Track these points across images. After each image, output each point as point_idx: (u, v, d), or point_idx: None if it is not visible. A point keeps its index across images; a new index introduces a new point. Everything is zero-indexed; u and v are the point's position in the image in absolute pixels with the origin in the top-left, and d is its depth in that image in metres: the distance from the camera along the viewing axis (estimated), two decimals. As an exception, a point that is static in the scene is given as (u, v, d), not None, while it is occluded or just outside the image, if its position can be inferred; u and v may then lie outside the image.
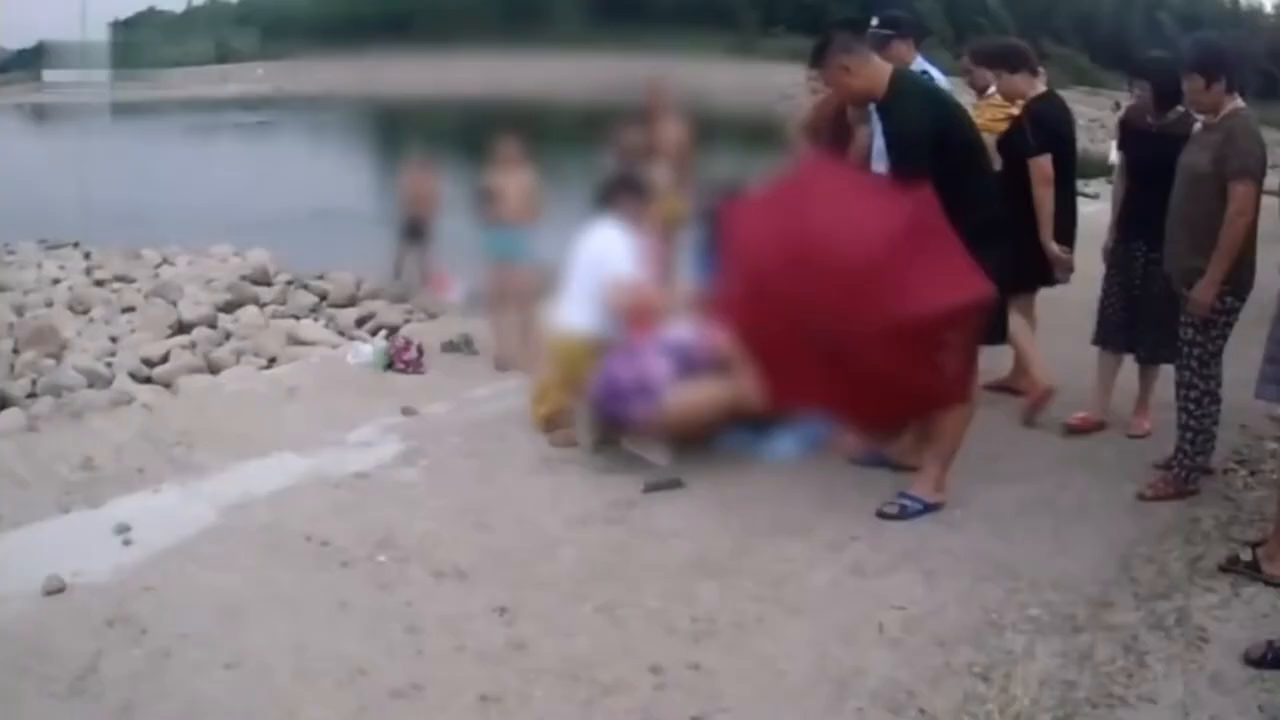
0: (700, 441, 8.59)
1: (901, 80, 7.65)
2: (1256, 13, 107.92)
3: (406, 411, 9.90)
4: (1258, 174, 7.42)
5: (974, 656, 6.10)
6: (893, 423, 8.17)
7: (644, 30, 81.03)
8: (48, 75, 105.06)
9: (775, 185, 8.26)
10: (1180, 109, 8.74)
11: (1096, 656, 6.12)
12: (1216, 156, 7.54)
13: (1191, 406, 8.00)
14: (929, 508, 7.80)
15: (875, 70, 7.61)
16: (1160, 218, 8.40)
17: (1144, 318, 9.03)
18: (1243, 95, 7.76)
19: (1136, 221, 9.01)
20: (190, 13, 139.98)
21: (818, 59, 7.87)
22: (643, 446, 8.52)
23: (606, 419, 8.59)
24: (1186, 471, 8.15)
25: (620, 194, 8.96)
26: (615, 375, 8.39)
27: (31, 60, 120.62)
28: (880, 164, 7.99)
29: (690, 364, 8.24)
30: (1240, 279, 7.66)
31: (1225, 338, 7.87)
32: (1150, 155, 8.87)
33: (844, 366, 7.31)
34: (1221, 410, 8.12)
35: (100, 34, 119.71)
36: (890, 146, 7.60)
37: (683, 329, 8.42)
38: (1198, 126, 8.04)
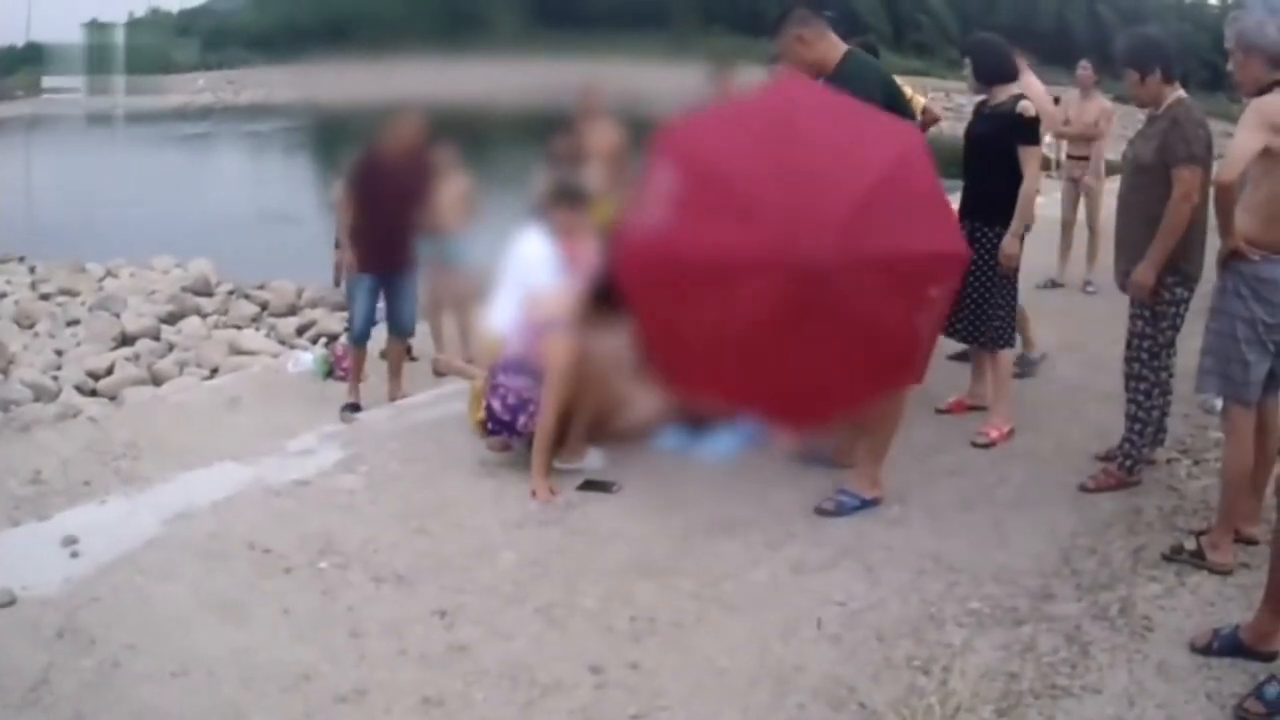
0: (631, 437, 8.69)
1: (852, 58, 7.81)
2: (1200, 5, 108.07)
3: (346, 418, 9.91)
4: (1203, 158, 7.44)
5: (914, 650, 6.15)
6: (866, 387, 7.42)
7: (582, 34, 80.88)
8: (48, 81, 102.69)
9: (741, 102, 8.12)
10: (1015, 91, 9.03)
11: (1039, 648, 6.17)
12: (1160, 145, 7.58)
13: (1141, 398, 8.04)
14: (866, 503, 7.87)
15: (829, 45, 7.83)
16: (986, 197, 8.90)
17: (964, 298, 9.13)
18: (1185, 86, 7.83)
19: (965, 201, 9.23)
20: (132, 24, 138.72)
21: (776, 30, 8.02)
22: (571, 459, 8.60)
23: (513, 439, 8.69)
24: (1131, 462, 8.22)
25: (557, 203, 8.97)
26: (492, 409, 8.58)
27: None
28: None
29: (534, 369, 8.36)
30: (1189, 270, 7.70)
31: (1176, 329, 7.89)
32: (978, 134, 9.20)
33: (831, 306, 6.82)
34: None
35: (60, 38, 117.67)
36: None
37: (516, 338, 8.53)
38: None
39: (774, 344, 6.97)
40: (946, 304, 7.49)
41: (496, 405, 8.50)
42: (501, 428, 8.57)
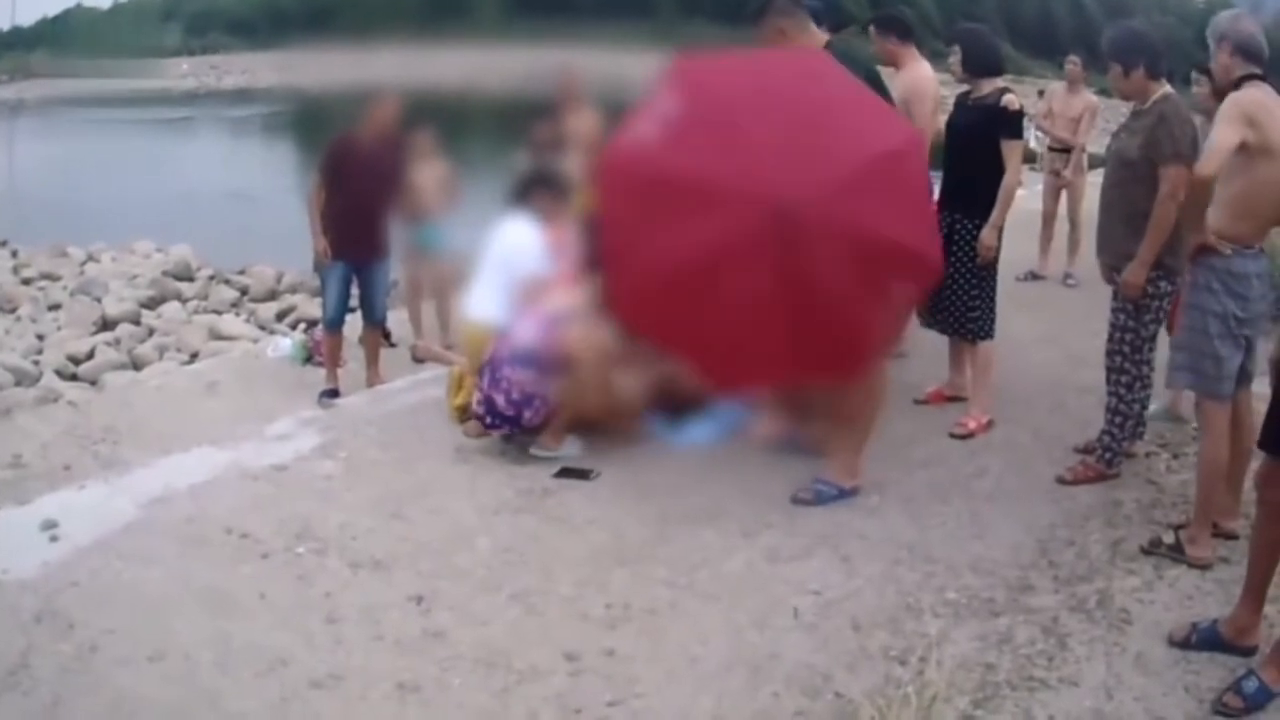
0: (612, 426, 8.69)
1: (834, 47, 7.74)
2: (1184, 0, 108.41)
3: (324, 404, 9.91)
4: (1189, 156, 7.36)
5: (890, 640, 6.14)
6: (824, 365, 7.41)
7: (563, 21, 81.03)
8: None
9: (769, 55, 8.11)
10: (1000, 84, 8.99)
11: (1016, 639, 6.17)
12: (1146, 141, 7.55)
13: (1122, 391, 8.01)
14: (844, 493, 7.86)
15: (811, 38, 7.73)
16: (967, 189, 8.83)
17: (946, 289, 9.12)
18: (1170, 81, 7.80)
19: (945, 192, 9.21)
20: (116, 9, 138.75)
21: (757, 21, 7.93)
22: (550, 448, 8.57)
23: (515, 433, 8.67)
24: (1110, 455, 8.21)
25: (536, 190, 8.95)
26: (494, 403, 8.49)
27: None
28: None
29: (546, 362, 8.34)
30: (1173, 264, 7.63)
31: (1159, 323, 7.90)
32: (962, 126, 9.12)
33: (804, 272, 6.84)
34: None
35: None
36: None
37: (525, 330, 8.46)
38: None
39: (726, 285, 6.95)
40: (905, 312, 7.55)
41: (500, 399, 8.43)
42: (504, 422, 8.52)
